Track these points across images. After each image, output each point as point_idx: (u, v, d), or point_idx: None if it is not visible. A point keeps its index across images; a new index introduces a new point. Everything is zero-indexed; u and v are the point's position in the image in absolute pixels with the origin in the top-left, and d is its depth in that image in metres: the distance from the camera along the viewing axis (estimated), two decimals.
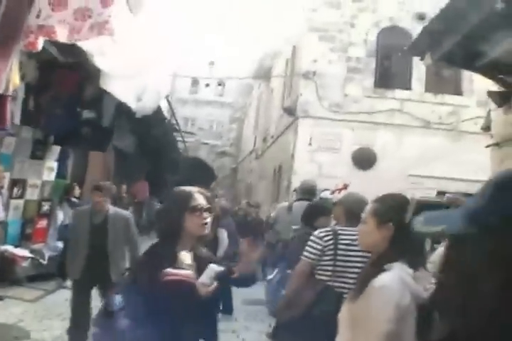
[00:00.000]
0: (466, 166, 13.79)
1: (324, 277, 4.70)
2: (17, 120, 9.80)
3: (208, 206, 3.45)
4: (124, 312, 3.11)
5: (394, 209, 2.86)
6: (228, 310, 9.82)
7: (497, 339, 1.19)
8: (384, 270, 2.67)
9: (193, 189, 3.53)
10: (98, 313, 3.37)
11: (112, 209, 6.79)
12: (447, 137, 15.49)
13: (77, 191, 12.18)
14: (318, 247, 4.73)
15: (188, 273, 3.25)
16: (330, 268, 4.70)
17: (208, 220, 3.43)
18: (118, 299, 3.16)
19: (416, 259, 2.78)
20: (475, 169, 13.20)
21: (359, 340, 2.61)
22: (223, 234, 9.31)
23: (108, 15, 5.19)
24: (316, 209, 6.49)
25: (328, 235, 4.76)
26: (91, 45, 8.32)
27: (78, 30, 5.16)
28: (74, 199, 11.84)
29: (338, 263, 4.69)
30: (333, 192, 9.77)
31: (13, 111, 9.49)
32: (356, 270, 4.69)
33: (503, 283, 0.81)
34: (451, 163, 14.24)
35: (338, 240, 4.72)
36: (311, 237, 4.84)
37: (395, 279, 2.60)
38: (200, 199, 3.45)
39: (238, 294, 9.71)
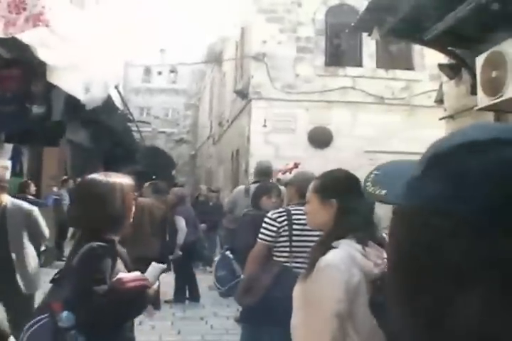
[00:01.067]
0: (422, 140, 13.58)
1: (282, 258, 4.69)
2: None
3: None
4: (77, 330, 2.71)
5: (335, 185, 2.83)
6: (195, 297, 9.83)
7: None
8: (331, 248, 2.63)
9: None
10: (38, 333, 2.75)
11: (10, 201, 5.67)
12: (401, 112, 15.52)
13: (32, 188, 11.98)
14: (273, 229, 4.71)
15: (137, 275, 3.01)
16: (287, 249, 4.69)
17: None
18: (66, 315, 2.68)
19: (364, 234, 2.72)
20: (431, 142, 13.35)
21: (310, 321, 2.58)
22: (181, 222, 9.29)
23: (42, 6, 5.09)
24: (258, 189, 6.37)
25: (281, 216, 4.73)
26: (34, 39, 8.20)
27: (13, 22, 5.06)
28: (30, 197, 11.64)
29: (295, 243, 4.67)
30: (284, 173, 9.78)
31: None
32: None
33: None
34: (407, 138, 14.29)
35: (292, 220, 4.70)
36: (265, 219, 4.80)
37: (341, 257, 2.56)
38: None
39: (204, 280, 9.72)
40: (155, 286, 3.14)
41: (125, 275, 2.87)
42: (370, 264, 2.62)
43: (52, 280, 3.01)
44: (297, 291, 2.77)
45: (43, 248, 11.47)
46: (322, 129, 15.61)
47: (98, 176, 3.04)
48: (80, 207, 3.17)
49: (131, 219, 3.17)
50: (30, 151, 13.33)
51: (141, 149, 27.79)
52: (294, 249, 4.68)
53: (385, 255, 2.72)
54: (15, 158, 12.02)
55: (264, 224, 4.79)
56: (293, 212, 4.75)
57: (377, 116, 15.23)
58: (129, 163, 25.95)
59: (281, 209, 4.88)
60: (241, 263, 5.53)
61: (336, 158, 14.13)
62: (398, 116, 15.38)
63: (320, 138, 15.56)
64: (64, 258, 13.16)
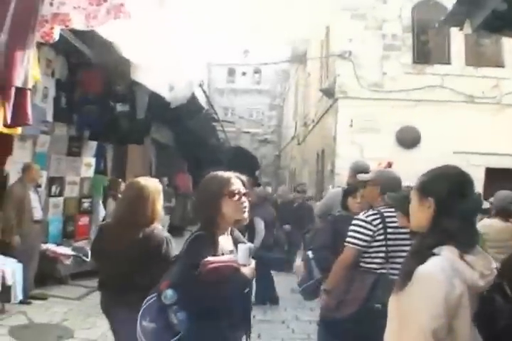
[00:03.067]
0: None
1: (375, 265, 4.41)
2: (50, 117, 9.78)
3: (246, 191, 3.43)
4: (179, 306, 3.09)
5: (435, 181, 2.48)
6: (274, 299, 9.56)
7: None
8: (431, 255, 2.31)
9: (229, 174, 3.50)
10: (149, 307, 3.23)
11: None
12: (491, 111, 14.88)
13: (122, 186, 12.05)
14: (369, 233, 4.42)
15: (227, 257, 3.24)
16: (382, 254, 4.40)
17: (246, 205, 3.41)
18: (170, 292, 3.10)
19: (467, 240, 2.37)
20: None
21: (404, 337, 2.28)
22: (260, 223, 9.04)
23: None
24: (346, 190, 6.00)
25: (376, 218, 4.46)
26: (116, 36, 8.18)
27: (94, 15, 4.92)
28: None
29: (390, 248, 4.39)
30: None
31: (46, 109, 9.46)
32: (406, 254, 4.42)
33: None
34: (497, 138, 13.71)
35: (386, 223, 4.42)
36: (357, 222, 4.51)
37: (442, 266, 2.24)
38: (237, 183, 3.42)
39: (286, 282, 9.46)
40: (252, 265, 3.33)
41: (210, 258, 3.10)
42: (475, 275, 2.28)
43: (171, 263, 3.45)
44: (392, 302, 2.47)
45: None
46: (409, 129, 15.15)
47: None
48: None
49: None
50: (114, 149, 13.41)
51: (226, 149, 27.80)
52: (390, 254, 4.39)
53: (493, 264, 2.39)
54: (99, 156, 12.11)
55: (356, 227, 4.50)
56: (385, 214, 4.47)
57: (467, 115, 14.67)
58: (213, 163, 25.99)
59: (374, 211, 4.56)
60: (319, 263, 5.21)
61: (423, 158, 13.58)
62: (488, 115, 14.73)
63: (407, 138, 15.10)
64: None
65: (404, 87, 15.20)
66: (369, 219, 4.45)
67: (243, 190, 3.41)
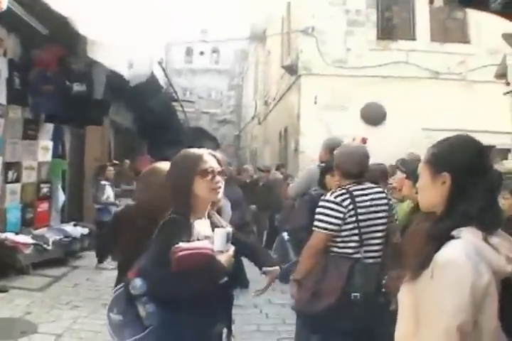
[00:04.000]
0: (480, 117, 13.25)
1: (349, 250, 4.04)
2: (3, 99, 9.36)
3: (221, 169, 3.12)
4: (148, 297, 2.84)
5: (451, 153, 2.11)
6: (244, 283, 9.23)
7: None
8: (450, 238, 1.95)
9: (202, 150, 3.19)
10: (117, 298, 3.02)
11: None
12: (458, 88, 14.84)
13: (109, 172, 11.79)
14: (339, 215, 4.01)
15: (201, 243, 2.92)
16: (356, 237, 4.03)
17: (221, 184, 3.10)
18: (138, 282, 2.86)
19: (491, 220, 2.01)
20: (489, 120, 12.74)
21: (423, 334, 1.93)
22: (226, 205, 8.65)
23: None
24: (324, 167, 5.50)
25: (346, 198, 4.05)
26: (73, 12, 7.78)
27: None
28: (104, 182, 11.43)
29: (363, 230, 4.04)
30: None
31: None
32: (379, 234, 4.13)
33: None
34: (464, 115, 13.60)
35: (356, 203, 4.05)
36: (324, 203, 4.09)
37: (466, 250, 1.89)
38: (211, 161, 3.11)
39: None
40: (230, 252, 3.05)
41: (182, 245, 2.80)
42: (501, 260, 1.94)
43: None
44: (404, 294, 2.10)
45: (87, 231, 11.24)
46: (375, 106, 15.00)
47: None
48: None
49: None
50: (72, 132, 12.93)
51: (186, 130, 27.40)
52: (364, 237, 4.03)
53: None
54: (56, 139, 11.63)
55: (324, 210, 4.07)
56: (355, 193, 4.09)
57: (433, 92, 14.61)
58: (173, 144, 25.59)
59: (342, 191, 4.13)
60: (295, 245, 4.94)
61: (391, 135, 13.76)
62: (454, 92, 14.70)
63: (373, 115, 14.95)
64: None
65: (369, 64, 15.03)
66: (338, 199, 4.05)
67: (217, 168, 3.10)
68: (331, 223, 4.03)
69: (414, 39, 15.61)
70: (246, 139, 36.34)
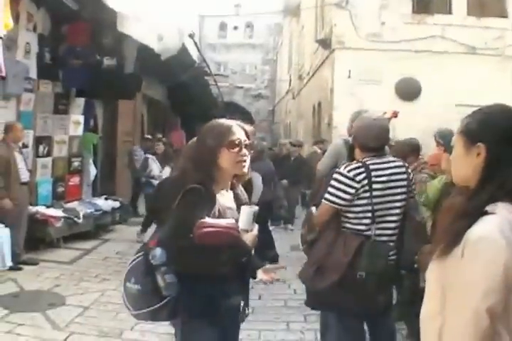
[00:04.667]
0: None
1: (362, 226, 3.89)
2: (33, 74, 9.44)
3: (248, 142, 3.08)
4: (168, 267, 2.82)
5: (486, 123, 1.95)
6: (273, 257, 9.19)
7: None
8: (483, 214, 1.82)
9: (231, 122, 3.13)
10: (135, 267, 2.95)
11: None
12: (494, 63, 14.41)
13: (159, 147, 12.03)
14: (350, 191, 3.85)
15: (227, 222, 2.88)
16: (369, 214, 3.87)
17: (247, 157, 3.05)
18: (158, 252, 2.83)
19: None
20: None
21: (451, 315, 1.82)
22: (257, 179, 8.57)
23: None
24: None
25: (361, 172, 3.87)
26: None
27: None
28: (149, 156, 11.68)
29: (377, 206, 3.87)
30: None
31: (28, 66, 9.07)
32: (396, 211, 3.94)
33: None
34: (500, 91, 13.20)
35: (372, 178, 3.87)
36: (338, 176, 3.93)
37: (501, 227, 1.75)
38: (239, 133, 3.05)
39: (285, 240, 9.12)
40: (254, 232, 3.05)
41: (208, 220, 2.79)
42: None
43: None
44: (432, 272, 1.99)
45: (118, 205, 11.30)
46: (410, 80, 14.71)
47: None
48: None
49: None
50: (104, 106, 12.96)
51: (219, 104, 27.34)
52: (377, 214, 3.88)
53: None
54: (87, 113, 11.66)
55: (336, 183, 3.93)
56: (371, 167, 3.91)
57: (469, 67, 14.20)
58: (206, 119, 25.50)
59: (358, 164, 3.96)
60: None
61: (424, 111, 13.55)
62: (491, 67, 14.27)
63: (407, 90, 14.67)
64: (139, 215, 13.03)
65: (404, 38, 14.67)
66: (351, 174, 3.88)
67: (245, 141, 3.05)
68: (339, 197, 3.89)
69: (450, 13, 15.14)
70: (280, 114, 36.21)
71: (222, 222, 2.84)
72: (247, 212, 3.03)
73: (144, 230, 10.01)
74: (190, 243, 2.74)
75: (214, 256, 2.83)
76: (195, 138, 3.78)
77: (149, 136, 14.45)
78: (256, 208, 3.11)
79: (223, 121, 3.14)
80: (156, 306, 2.85)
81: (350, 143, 4.65)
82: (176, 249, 2.81)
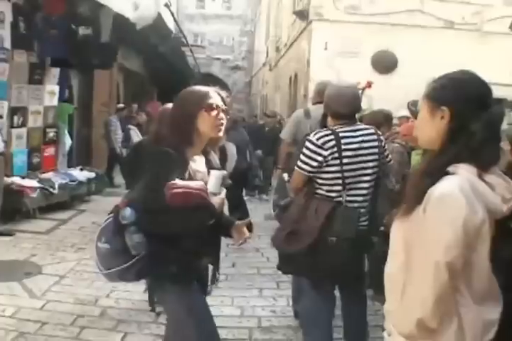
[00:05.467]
0: (493, 69, 12.93)
1: (332, 193, 3.94)
2: (8, 44, 9.26)
3: (225, 107, 3.14)
4: (136, 227, 2.86)
5: (451, 87, 2.04)
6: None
7: None
8: (445, 174, 1.92)
9: (208, 88, 3.18)
10: (106, 227, 3.01)
11: None
12: (472, 38, 14.53)
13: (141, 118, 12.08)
14: (319, 158, 3.89)
15: (196, 184, 2.94)
16: (339, 181, 3.91)
17: (224, 122, 3.12)
18: (128, 211, 2.87)
19: (490, 157, 1.98)
20: (502, 72, 12.51)
21: (412, 269, 1.93)
22: (232, 148, 8.60)
23: None
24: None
25: (329, 140, 3.90)
26: None
27: None
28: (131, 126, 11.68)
29: (347, 173, 3.91)
30: None
31: (2, 36, 8.94)
32: (367, 178, 4.00)
33: None
34: (477, 66, 13.01)
35: (341, 145, 3.90)
36: (308, 144, 3.95)
37: (461, 186, 1.85)
38: (216, 98, 3.12)
39: (259, 209, 9.19)
40: (222, 195, 3.13)
41: (178, 182, 2.84)
42: (497, 199, 1.91)
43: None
44: (396, 230, 2.09)
45: (93, 175, 11.28)
46: (386, 53, 14.77)
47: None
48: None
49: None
50: (79, 76, 12.84)
51: (196, 76, 27.20)
52: (347, 181, 3.92)
53: None
54: (63, 84, 11.53)
55: (304, 150, 3.96)
56: (341, 134, 3.94)
57: (446, 42, 14.27)
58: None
59: (327, 132, 3.98)
60: None
61: (401, 84, 13.48)
62: (468, 42, 14.37)
63: (384, 63, 14.74)
64: (115, 185, 13.03)
65: (382, 11, 14.69)
66: (320, 142, 3.90)
67: (222, 106, 3.12)
68: (308, 164, 3.94)
69: None
70: (257, 85, 36.16)
71: (192, 183, 2.91)
72: (216, 175, 3.11)
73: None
74: (160, 203, 2.79)
75: (182, 216, 2.87)
76: (169, 104, 3.81)
77: (122, 105, 14.40)
78: (224, 172, 3.21)
79: (200, 87, 3.20)
80: (124, 265, 2.91)
81: (323, 111, 4.70)
82: (147, 209, 2.86)
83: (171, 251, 2.94)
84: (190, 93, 3.17)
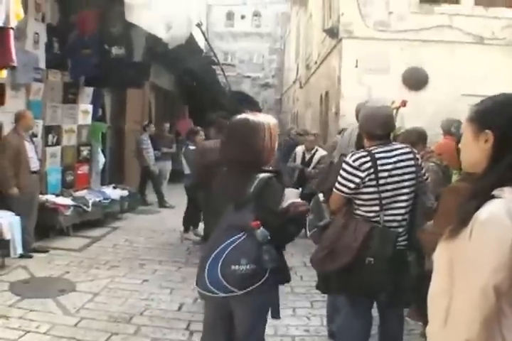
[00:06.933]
0: None
1: (371, 213, 3.99)
2: (42, 64, 9.51)
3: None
4: (270, 244, 3.27)
5: (494, 110, 2.02)
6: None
7: None
8: (491, 197, 1.90)
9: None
10: (241, 249, 3.31)
11: None
12: (502, 53, 14.32)
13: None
14: (355, 180, 3.96)
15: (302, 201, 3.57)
16: (376, 202, 3.96)
17: None
18: (264, 231, 3.24)
19: None
20: None
21: (457, 292, 1.91)
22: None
23: None
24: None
25: (366, 161, 3.95)
26: None
27: None
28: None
29: (384, 194, 3.94)
30: None
31: (38, 56, 9.12)
32: (405, 197, 4.00)
33: None
34: (507, 81, 13.20)
35: (377, 166, 3.94)
36: (344, 165, 4.03)
37: (507, 209, 1.83)
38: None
39: None
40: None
41: (296, 200, 3.49)
42: None
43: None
44: (440, 253, 2.07)
45: (126, 193, 11.38)
46: (417, 70, 14.67)
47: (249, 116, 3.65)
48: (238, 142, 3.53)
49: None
50: (112, 95, 13.01)
51: (227, 93, 27.33)
52: (384, 201, 3.95)
53: None
54: (96, 103, 11.72)
55: (342, 172, 4.02)
56: (377, 155, 3.98)
57: (476, 57, 14.09)
58: (214, 108, 25.56)
59: (363, 153, 4.03)
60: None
61: (431, 100, 13.53)
62: (498, 57, 14.18)
63: (415, 80, 14.63)
64: (148, 204, 13.12)
65: (412, 27, 14.60)
66: (356, 163, 3.96)
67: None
68: (345, 186, 4.00)
69: (457, 3, 15.05)
70: (287, 103, 36.16)
71: (300, 201, 3.55)
72: (294, 192, 3.65)
73: (187, 229, 10.12)
74: (286, 220, 3.37)
75: (299, 228, 3.53)
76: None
77: (146, 122, 14.53)
78: (299, 190, 3.82)
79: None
80: (262, 280, 3.23)
81: (358, 132, 4.71)
82: (279, 227, 3.31)
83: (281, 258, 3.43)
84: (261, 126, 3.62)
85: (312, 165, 10.71)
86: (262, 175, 3.36)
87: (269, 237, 3.19)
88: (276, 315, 3.50)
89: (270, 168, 3.52)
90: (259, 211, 3.30)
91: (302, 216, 3.48)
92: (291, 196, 3.51)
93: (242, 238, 3.26)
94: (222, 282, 3.21)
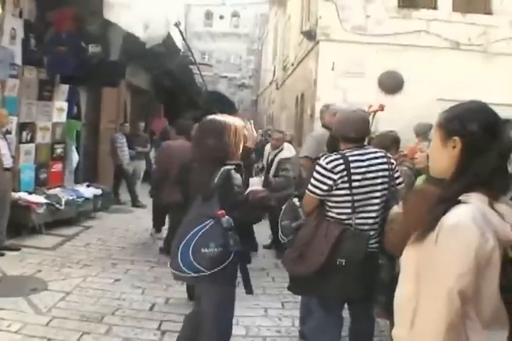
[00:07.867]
0: (498, 90, 13.01)
1: (343, 216, 4.02)
2: (19, 60, 9.43)
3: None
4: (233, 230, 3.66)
5: (462, 118, 2.08)
6: (253, 246, 9.25)
7: None
8: (457, 203, 1.95)
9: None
10: (208, 235, 3.70)
11: None
12: (478, 59, 14.55)
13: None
14: (328, 182, 3.98)
15: (260, 188, 4.07)
16: (348, 204, 3.98)
17: None
18: (228, 219, 3.64)
19: (500, 186, 2.02)
20: (507, 93, 12.59)
21: (424, 296, 1.95)
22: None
23: None
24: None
25: (339, 164, 3.98)
26: None
27: None
28: None
29: (357, 197, 3.98)
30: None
31: (14, 52, 9.06)
32: (377, 201, 4.04)
33: None
34: (483, 87, 13.32)
35: (351, 169, 3.97)
36: (318, 168, 4.04)
37: (473, 215, 1.88)
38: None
39: (265, 229, 9.19)
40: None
41: (255, 188, 3.95)
42: (507, 227, 1.94)
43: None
44: (407, 257, 2.13)
45: (100, 192, 11.32)
46: (393, 74, 14.70)
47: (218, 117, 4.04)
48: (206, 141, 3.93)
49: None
50: (88, 93, 12.94)
51: (203, 93, 27.29)
52: (356, 204, 3.99)
53: None
54: (72, 100, 11.64)
55: (315, 174, 4.04)
56: (351, 158, 4.02)
57: (453, 62, 14.29)
58: (190, 108, 25.53)
59: (337, 156, 4.06)
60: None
61: (407, 104, 13.50)
62: (474, 63, 14.41)
63: (391, 84, 14.67)
64: (121, 202, 13.06)
65: (389, 31, 14.73)
66: (330, 166, 3.98)
67: None
68: (318, 188, 4.02)
69: (435, 8, 15.22)
70: (263, 104, 36.21)
71: (259, 188, 4.02)
72: (257, 180, 4.16)
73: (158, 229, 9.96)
74: (250, 206, 3.84)
75: (260, 213, 4.15)
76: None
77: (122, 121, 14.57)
78: (261, 178, 4.58)
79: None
80: (228, 261, 3.62)
81: (331, 135, 4.75)
82: (239, 213, 3.72)
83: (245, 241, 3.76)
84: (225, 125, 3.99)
85: (273, 167, 9.25)
86: (224, 168, 3.76)
87: (232, 224, 3.61)
88: (249, 291, 3.84)
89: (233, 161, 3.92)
90: (224, 200, 3.71)
91: (261, 202, 3.88)
92: (255, 184, 4.02)
93: (210, 225, 3.67)
94: (194, 263, 3.62)
